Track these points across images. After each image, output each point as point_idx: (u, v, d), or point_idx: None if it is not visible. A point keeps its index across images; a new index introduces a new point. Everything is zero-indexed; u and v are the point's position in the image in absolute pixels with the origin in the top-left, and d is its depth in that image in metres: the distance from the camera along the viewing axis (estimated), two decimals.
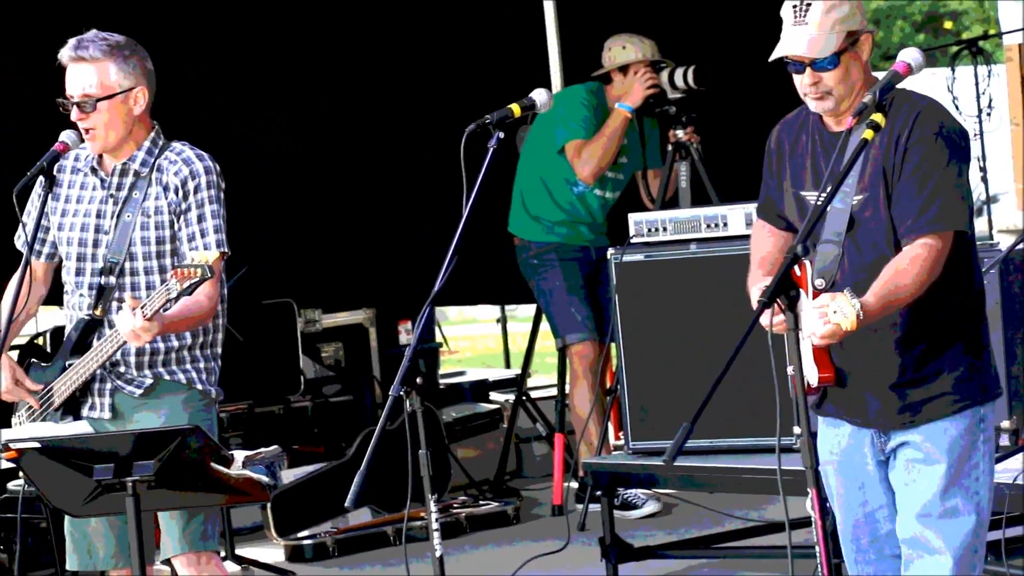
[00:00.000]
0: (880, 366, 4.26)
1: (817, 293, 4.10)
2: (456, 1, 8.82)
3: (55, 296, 5.29)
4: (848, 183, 4.20)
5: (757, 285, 4.27)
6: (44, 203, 5.03)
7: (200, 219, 4.97)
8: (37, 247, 5.16)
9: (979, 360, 4.34)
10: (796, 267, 4.07)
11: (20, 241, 5.14)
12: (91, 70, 4.93)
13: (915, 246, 4.16)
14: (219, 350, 5.14)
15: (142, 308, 4.68)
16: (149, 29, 5.67)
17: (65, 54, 4.97)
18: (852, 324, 3.93)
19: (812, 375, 4.19)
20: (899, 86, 4.16)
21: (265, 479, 4.72)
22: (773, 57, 4.24)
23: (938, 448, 4.28)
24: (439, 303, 6.38)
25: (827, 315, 3.96)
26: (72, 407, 5.04)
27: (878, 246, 4.23)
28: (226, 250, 4.98)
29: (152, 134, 5.05)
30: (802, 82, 4.23)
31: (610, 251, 6.69)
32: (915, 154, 4.17)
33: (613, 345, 6.74)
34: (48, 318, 7.62)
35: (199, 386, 5.05)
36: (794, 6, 4.23)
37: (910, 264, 4.13)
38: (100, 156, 5.07)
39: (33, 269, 5.11)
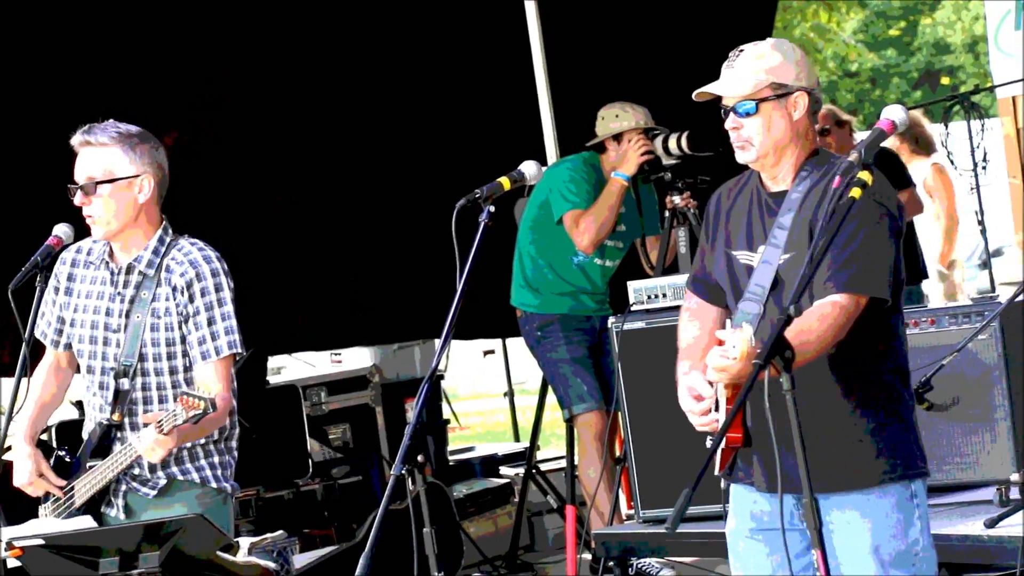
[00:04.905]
0: (793, 426, 4.03)
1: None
2: (450, 73, 8.86)
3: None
4: (777, 241, 4.17)
5: (684, 375, 4.22)
6: (43, 294, 5.00)
7: (210, 322, 4.95)
8: (54, 337, 5.16)
9: (903, 434, 4.24)
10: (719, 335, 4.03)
11: (39, 331, 5.14)
12: (97, 154, 4.95)
13: (824, 303, 4.07)
14: (234, 444, 5.12)
15: (158, 424, 4.67)
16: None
17: (75, 140, 5.00)
18: (742, 355, 3.83)
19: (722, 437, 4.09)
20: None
21: (272, 565, 4.69)
22: (694, 94, 4.30)
23: (870, 520, 4.17)
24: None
25: (725, 349, 3.88)
26: (92, 507, 5.01)
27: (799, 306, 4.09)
28: (239, 351, 4.96)
29: (159, 231, 5.04)
30: (727, 128, 4.26)
31: (611, 320, 6.67)
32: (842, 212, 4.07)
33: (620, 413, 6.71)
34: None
35: (213, 484, 5.04)
36: (731, 53, 4.29)
37: (817, 322, 4.03)
38: (111, 249, 5.07)
39: (57, 358, 5.18)
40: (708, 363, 3.97)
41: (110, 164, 4.94)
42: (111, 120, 5.04)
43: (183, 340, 4.97)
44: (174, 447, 4.75)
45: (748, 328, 3.86)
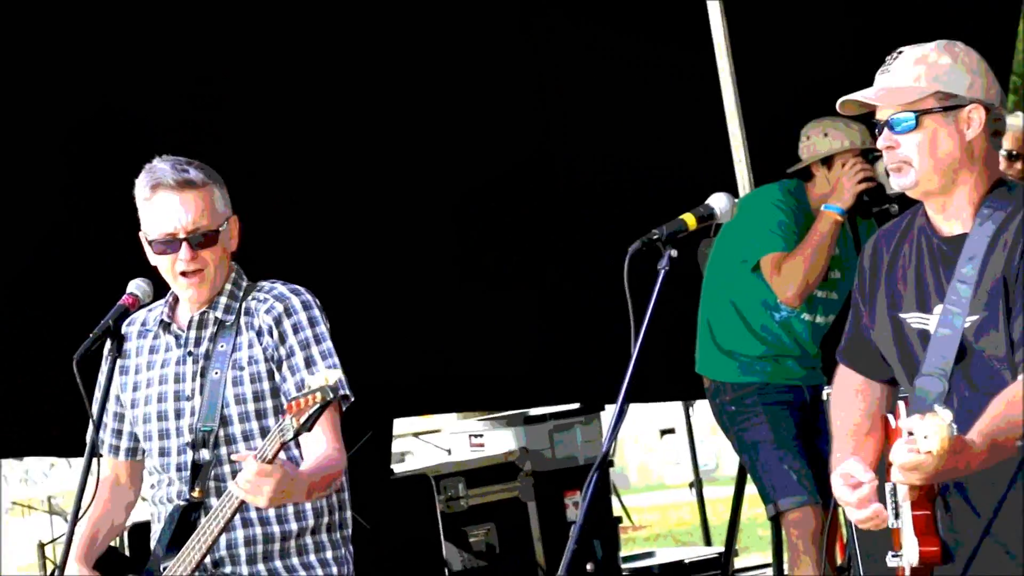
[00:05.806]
0: (1000, 535, 3.83)
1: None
2: (630, 98, 8.66)
3: None
4: (958, 300, 3.91)
5: (842, 470, 3.94)
6: (114, 363, 4.69)
7: (308, 362, 4.65)
8: (113, 442, 4.93)
9: None
10: (891, 418, 3.93)
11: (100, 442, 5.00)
12: (200, 198, 4.69)
13: None
14: (349, 531, 4.79)
15: (258, 453, 4.31)
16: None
17: (162, 179, 4.67)
18: (941, 448, 3.51)
19: (912, 551, 3.88)
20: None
21: None
22: (838, 104, 4.06)
23: None
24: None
25: (914, 441, 3.58)
26: None
27: (997, 380, 3.85)
28: (347, 393, 4.56)
29: (233, 274, 4.81)
30: (880, 147, 4.05)
31: (826, 390, 6.56)
32: None
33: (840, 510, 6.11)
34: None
35: None
36: (889, 55, 4.08)
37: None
38: (173, 308, 4.82)
39: (116, 473, 4.97)
40: (893, 461, 3.70)
41: (217, 208, 4.70)
42: (167, 155, 4.76)
43: (274, 393, 4.65)
44: (288, 489, 4.34)
45: (946, 412, 3.56)
